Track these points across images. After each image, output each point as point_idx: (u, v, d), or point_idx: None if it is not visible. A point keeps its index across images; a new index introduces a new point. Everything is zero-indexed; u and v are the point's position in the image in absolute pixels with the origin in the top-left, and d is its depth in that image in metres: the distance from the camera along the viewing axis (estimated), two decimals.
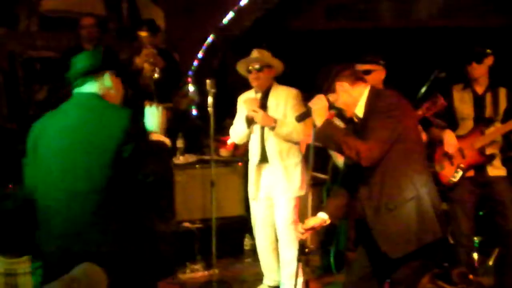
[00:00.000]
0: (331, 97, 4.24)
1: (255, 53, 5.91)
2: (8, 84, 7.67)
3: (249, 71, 5.87)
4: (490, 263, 6.17)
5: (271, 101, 5.84)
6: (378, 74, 5.50)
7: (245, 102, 5.80)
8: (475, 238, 5.93)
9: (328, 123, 4.16)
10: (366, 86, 4.27)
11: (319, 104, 4.22)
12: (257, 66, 5.81)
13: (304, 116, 4.47)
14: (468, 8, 8.23)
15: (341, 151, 4.12)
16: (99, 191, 3.53)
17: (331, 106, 4.25)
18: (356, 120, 4.27)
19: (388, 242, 4.11)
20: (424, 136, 5.34)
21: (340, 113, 4.40)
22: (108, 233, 3.56)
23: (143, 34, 7.56)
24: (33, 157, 3.70)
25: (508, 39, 7.31)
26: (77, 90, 3.77)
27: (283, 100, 5.79)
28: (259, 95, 5.90)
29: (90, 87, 3.74)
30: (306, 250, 4.39)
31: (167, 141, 3.94)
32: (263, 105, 5.82)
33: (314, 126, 4.22)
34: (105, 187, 3.53)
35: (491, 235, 5.88)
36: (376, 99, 4.18)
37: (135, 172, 3.58)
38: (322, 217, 4.40)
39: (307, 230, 4.37)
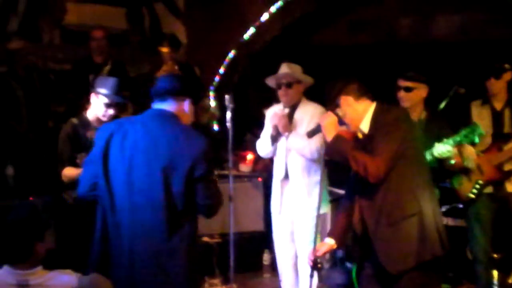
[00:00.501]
0: (340, 112, 4.27)
1: (284, 68, 5.83)
2: (28, 96, 7.75)
3: (279, 86, 5.80)
4: (510, 281, 6.11)
5: (298, 116, 5.79)
6: (419, 92, 5.50)
7: (271, 117, 5.78)
8: (495, 255, 5.88)
9: (337, 138, 4.20)
10: (372, 101, 4.28)
11: (328, 120, 4.26)
12: (286, 82, 5.75)
13: (314, 132, 4.50)
14: (486, 23, 8.21)
15: (349, 166, 4.14)
16: (163, 205, 3.79)
17: (341, 122, 4.27)
18: (360, 136, 4.28)
19: (387, 257, 4.14)
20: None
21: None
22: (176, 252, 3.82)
23: (164, 49, 7.63)
24: (102, 157, 3.92)
25: None
26: (156, 106, 4.02)
27: (308, 117, 5.72)
28: (286, 110, 5.84)
29: (170, 106, 4.00)
30: (319, 265, 4.37)
31: None
32: (289, 120, 5.78)
33: (325, 141, 4.26)
34: (169, 203, 3.79)
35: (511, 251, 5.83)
36: (382, 114, 4.21)
37: (198, 193, 3.84)
38: (329, 243, 4.42)
39: (319, 256, 4.38)
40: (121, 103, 5.53)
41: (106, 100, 5.35)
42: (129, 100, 7.44)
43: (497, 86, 5.68)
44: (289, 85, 5.76)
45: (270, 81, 5.90)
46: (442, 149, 5.07)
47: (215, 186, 3.99)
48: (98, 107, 5.38)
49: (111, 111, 5.38)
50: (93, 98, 5.39)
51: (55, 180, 5.44)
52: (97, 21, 8.68)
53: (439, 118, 5.46)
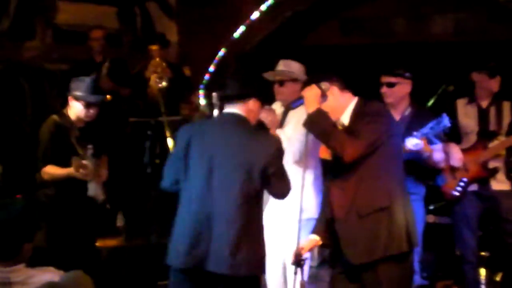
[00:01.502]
0: (324, 85, 4.27)
1: (280, 65, 5.55)
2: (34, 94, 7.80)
3: (274, 84, 5.52)
4: (498, 279, 6.10)
5: (289, 116, 5.44)
6: (402, 87, 5.44)
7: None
8: (483, 253, 5.88)
9: (319, 111, 4.20)
10: (354, 96, 4.31)
11: (311, 92, 4.26)
12: (278, 79, 5.42)
13: (298, 104, 4.58)
14: (477, 24, 8.21)
15: (326, 142, 4.18)
16: (240, 201, 4.14)
17: (323, 95, 4.26)
18: (340, 127, 4.27)
19: (352, 247, 4.17)
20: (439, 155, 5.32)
21: None
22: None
23: (154, 47, 7.63)
24: (183, 156, 4.25)
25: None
26: (228, 109, 4.34)
27: (295, 119, 5.27)
28: (282, 109, 5.53)
29: (239, 109, 4.29)
30: (302, 263, 4.35)
31: None
32: (284, 119, 5.47)
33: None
34: (245, 198, 4.14)
35: (499, 250, 5.82)
36: (364, 107, 4.23)
37: (272, 186, 4.25)
38: (314, 238, 4.42)
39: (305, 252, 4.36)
40: (100, 102, 5.51)
41: (84, 101, 5.34)
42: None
43: (489, 84, 5.66)
44: (281, 83, 5.48)
45: (268, 76, 5.54)
46: (412, 142, 5.04)
47: (285, 176, 4.29)
48: (77, 109, 5.37)
49: (92, 111, 5.40)
50: (71, 101, 5.38)
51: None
52: (89, 21, 8.68)
53: (423, 115, 5.41)
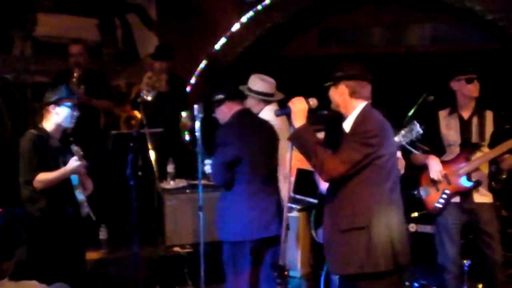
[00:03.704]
0: (311, 100, 4.32)
1: (258, 82, 6.02)
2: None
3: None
4: (480, 287, 6.14)
5: None
6: None
7: None
8: (464, 261, 5.91)
9: (305, 127, 4.26)
10: (362, 102, 4.33)
11: (299, 105, 4.29)
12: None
13: (282, 113, 4.59)
14: (456, 34, 8.29)
15: (309, 158, 4.23)
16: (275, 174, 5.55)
17: (310, 110, 4.31)
18: (342, 132, 4.36)
19: (331, 257, 4.34)
20: (401, 163, 5.33)
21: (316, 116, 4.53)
22: None
23: (161, 65, 7.66)
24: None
25: (495, 62, 7.38)
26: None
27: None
28: None
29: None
30: (285, 273, 4.39)
31: None
32: None
33: (292, 126, 4.31)
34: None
35: (481, 258, 5.85)
36: (363, 121, 4.25)
37: None
38: None
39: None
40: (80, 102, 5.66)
41: (69, 104, 5.38)
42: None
43: (467, 90, 5.65)
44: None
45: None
46: None
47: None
48: (63, 115, 5.39)
49: (76, 113, 5.44)
50: (53, 109, 5.38)
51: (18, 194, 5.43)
52: (69, 33, 8.67)
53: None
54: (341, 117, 4.44)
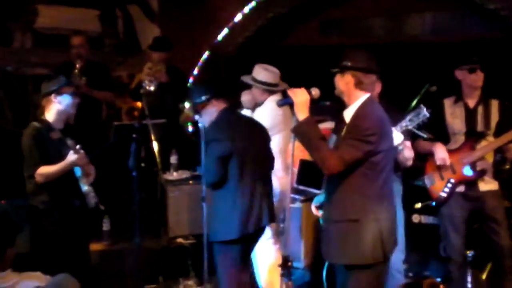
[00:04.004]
0: (313, 91, 4.34)
1: (261, 72, 6.05)
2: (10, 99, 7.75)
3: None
4: (484, 277, 6.13)
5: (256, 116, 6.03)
6: None
7: None
8: (468, 252, 5.91)
9: (308, 120, 4.27)
10: (365, 93, 4.34)
11: (301, 97, 4.30)
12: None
13: (285, 103, 4.57)
14: (457, 24, 8.26)
15: (310, 152, 4.27)
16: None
17: (313, 101, 4.33)
18: (342, 119, 4.40)
19: (326, 246, 4.43)
20: (410, 153, 5.31)
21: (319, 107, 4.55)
22: None
23: (159, 56, 7.65)
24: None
25: (497, 51, 7.35)
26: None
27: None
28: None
29: None
30: (289, 263, 4.40)
31: None
32: None
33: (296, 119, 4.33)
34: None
35: (485, 249, 5.85)
36: (362, 116, 4.27)
37: None
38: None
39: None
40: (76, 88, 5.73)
41: (70, 91, 5.44)
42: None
43: (471, 80, 5.65)
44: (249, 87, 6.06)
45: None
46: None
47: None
48: (65, 103, 5.42)
49: (77, 100, 5.51)
50: (55, 98, 5.39)
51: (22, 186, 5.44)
52: (70, 24, 8.64)
53: (394, 112, 5.34)
54: (343, 107, 4.46)
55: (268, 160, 5.53)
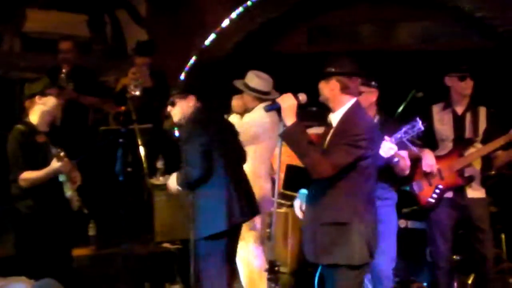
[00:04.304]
0: (301, 96, 4.33)
1: (254, 79, 6.05)
2: None
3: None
4: (469, 281, 6.14)
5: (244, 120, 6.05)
6: (368, 96, 5.31)
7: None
8: (454, 257, 5.93)
9: (296, 125, 4.27)
10: (352, 98, 4.35)
11: (288, 102, 4.29)
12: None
13: (272, 108, 4.52)
14: (446, 32, 8.29)
15: (300, 157, 4.26)
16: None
17: (300, 106, 4.32)
18: (328, 123, 4.41)
19: (309, 247, 4.42)
20: (406, 164, 5.33)
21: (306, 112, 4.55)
22: None
23: (142, 60, 7.63)
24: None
25: (485, 59, 7.39)
26: None
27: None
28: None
29: None
30: (276, 268, 4.40)
31: None
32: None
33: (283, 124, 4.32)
34: None
35: (471, 254, 5.86)
36: (351, 121, 4.28)
37: None
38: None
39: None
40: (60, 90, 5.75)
41: (55, 91, 5.47)
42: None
43: (460, 88, 5.68)
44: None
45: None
46: (386, 146, 4.97)
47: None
48: (49, 104, 5.42)
49: (61, 100, 5.58)
50: (40, 99, 5.38)
51: (8, 190, 5.42)
52: (59, 29, 8.62)
53: (391, 122, 5.36)
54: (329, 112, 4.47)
55: (241, 153, 5.61)
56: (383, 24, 8.71)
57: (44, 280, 3.94)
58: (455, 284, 5.91)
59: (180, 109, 5.40)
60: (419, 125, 4.94)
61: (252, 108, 5.98)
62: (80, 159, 5.66)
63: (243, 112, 6.08)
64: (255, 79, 5.98)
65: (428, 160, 5.68)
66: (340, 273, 4.32)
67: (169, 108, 5.46)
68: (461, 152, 5.69)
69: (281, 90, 4.54)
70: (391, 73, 7.90)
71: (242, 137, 5.66)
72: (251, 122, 5.88)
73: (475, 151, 5.67)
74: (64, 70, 7.47)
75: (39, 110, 5.41)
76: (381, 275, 5.33)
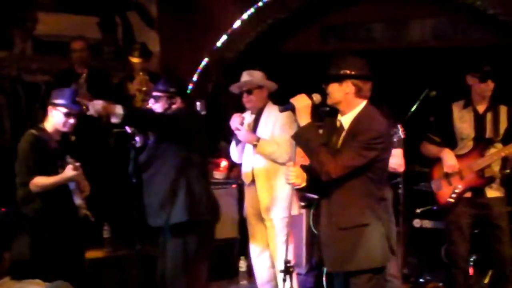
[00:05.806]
0: (315, 96, 4.27)
1: (244, 76, 5.97)
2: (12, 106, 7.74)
3: (241, 94, 5.93)
4: (486, 281, 6.10)
5: (263, 120, 5.90)
6: None
7: (231, 120, 5.83)
8: (471, 256, 5.89)
9: (309, 126, 4.21)
10: (363, 100, 4.29)
11: (302, 103, 4.24)
12: (246, 89, 5.90)
13: (286, 108, 4.42)
14: (457, 29, 8.26)
15: (310, 158, 4.21)
16: None
17: (315, 106, 4.26)
18: (338, 124, 4.32)
19: (329, 254, 4.33)
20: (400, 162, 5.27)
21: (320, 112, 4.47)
22: None
23: (136, 60, 7.60)
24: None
25: (497, 56, 7.35)
26: None
27: (272, 119, 5.81)
28: (253, 116, 5.97)
29: None
30: (291, 269, 4.37)
31: None
32: (256, 124, 5.90)
33: (297, 124, 4.26)
34: None
35: (487, 253, 5.82)
36: (365, 122, 4.21)
37: None
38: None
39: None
40: (80, 112, 5.51)
41: (65, 110, 5.35)
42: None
43: (480, 89, 5.62)
44: (249, 92, 5.91)
45: (234, 89, 6.03)
46: None
47: None
48: (57, 118, 5.38)
49: (71, 121, 5.42)
50: (50, 111, 5.38)
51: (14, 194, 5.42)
52: (70, 31, 8.61)
53: (390, 118, 5.31)
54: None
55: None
56: (395, 22, 8.68)
57: (57, 282, 3.93)
58: (471, 283, 5.87)
59: (163, 105, 5.41)
60: (400, 133, 5.08)
61: (261, 107, 5.94)
62: (93, 161, 5.65)
63: (257, 111, 6.01)
64: (246, 77, 5.97)
65: (450, 161, 5.63)
66: (360, 280, 4.23)
67: None
68: (482, 152, 5.64)
69: (294, 91, 4.51)
70: (403, 72, 7.88)
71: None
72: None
73: (495, 151, 5.61)
74: (83, 75, 7.47)
75: (51, 120, 5.41)
76: (387, 275, 5.30)
